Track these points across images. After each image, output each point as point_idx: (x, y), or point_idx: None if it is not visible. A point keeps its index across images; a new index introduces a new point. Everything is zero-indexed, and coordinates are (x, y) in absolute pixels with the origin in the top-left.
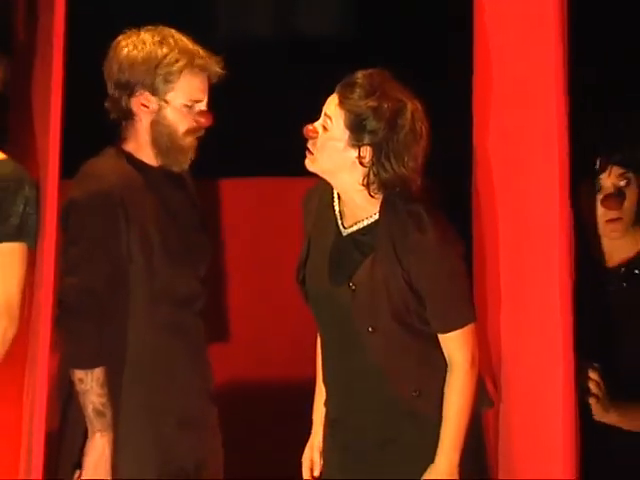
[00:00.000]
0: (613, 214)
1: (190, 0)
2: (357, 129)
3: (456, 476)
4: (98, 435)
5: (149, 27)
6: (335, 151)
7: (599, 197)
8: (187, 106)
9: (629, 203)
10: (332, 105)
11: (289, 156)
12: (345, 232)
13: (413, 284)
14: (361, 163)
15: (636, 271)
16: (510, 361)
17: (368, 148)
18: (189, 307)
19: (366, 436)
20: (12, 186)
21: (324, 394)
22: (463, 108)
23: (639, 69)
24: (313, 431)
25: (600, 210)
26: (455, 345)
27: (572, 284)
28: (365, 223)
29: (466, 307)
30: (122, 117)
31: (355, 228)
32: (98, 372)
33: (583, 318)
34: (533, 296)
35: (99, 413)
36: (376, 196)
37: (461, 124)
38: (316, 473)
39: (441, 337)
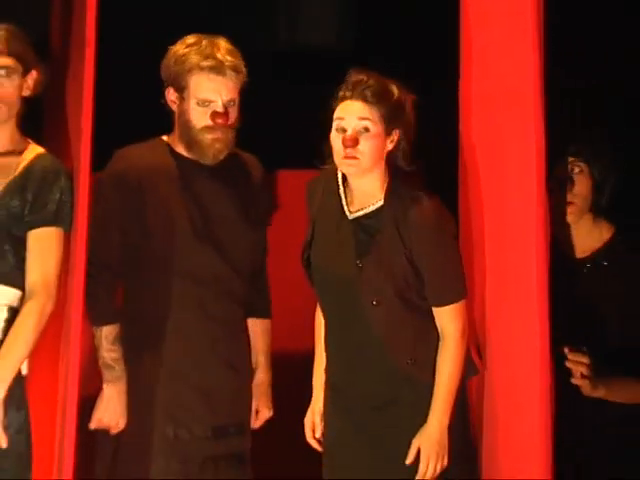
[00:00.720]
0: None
1: (196, 15)
2: (390, 119)
3: (445, 436)
4: (105, 386)
5: (204, 34)
6: (377, 146)
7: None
8: (199, 104)
9: (579, 189)
10: (358, 108)
11: (290, 151)
12: (351, 216)
13: (414, 262)
14: (394, 145)
15: (605, 262)
16: (493, 335)
17: (397, 130)
18: (218, 291)
19: (366, 400)
20: (50, 177)
21: (324, 362)
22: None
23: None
24: (314, 396)
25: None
26: (448, 318)
27: (548, 265)
28: (371, 208)
29: (460, 284)
30: (169, 111)
31: (361, 213)
32: (107, 330)
33: (556, 303)
34: (513, 276)
35: (107, 366)
36: (383, 184)
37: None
38: (317, 435)
39: (436, 310)
